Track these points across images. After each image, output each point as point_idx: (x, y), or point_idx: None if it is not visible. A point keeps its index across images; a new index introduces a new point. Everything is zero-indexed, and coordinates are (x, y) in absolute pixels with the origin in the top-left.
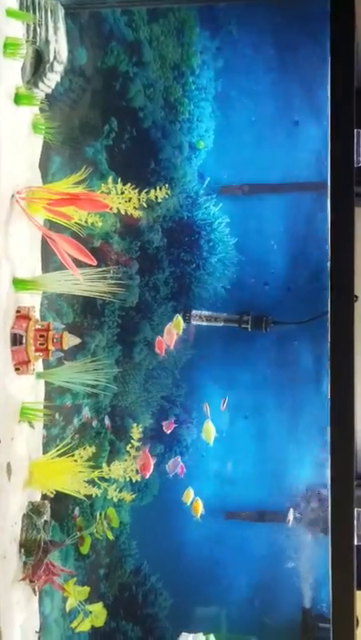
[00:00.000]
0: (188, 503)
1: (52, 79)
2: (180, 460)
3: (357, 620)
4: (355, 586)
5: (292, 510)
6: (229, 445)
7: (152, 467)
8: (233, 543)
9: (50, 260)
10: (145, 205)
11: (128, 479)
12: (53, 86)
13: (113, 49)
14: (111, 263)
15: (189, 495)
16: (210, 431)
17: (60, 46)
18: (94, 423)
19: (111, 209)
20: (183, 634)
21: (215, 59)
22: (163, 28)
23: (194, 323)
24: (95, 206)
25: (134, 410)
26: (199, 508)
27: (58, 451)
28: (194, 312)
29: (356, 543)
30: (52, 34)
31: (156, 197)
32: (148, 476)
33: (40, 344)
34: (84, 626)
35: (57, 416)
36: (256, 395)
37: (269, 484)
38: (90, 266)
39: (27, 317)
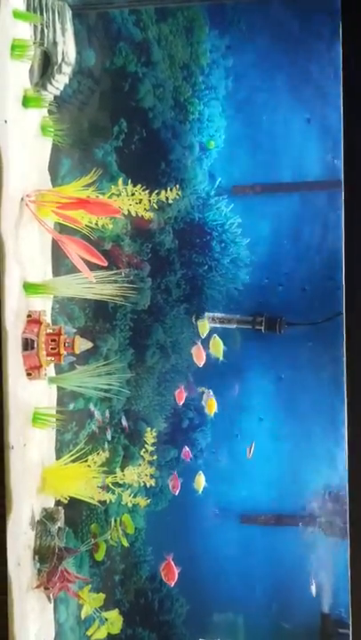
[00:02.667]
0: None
1: (61, 81)
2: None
3: None
4: None
5: (310, 514)
6: (244, 448)
7: (176, 576)
8: (250, 548)
9: (61, 264)
10: (156, 207)
11: (142, 484)
12: (62, 88)
13: (121, 49)
14: (122, 266)
15: (201, 481)
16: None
17: (67, 48)
18: (108, 429)
19: (121, 208)
20: None
21: (225, 57)
22: (171, 27)
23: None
24: (106, 211)
25: (148, 414)
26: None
27: (71, 456)
28: (207, 314)
29: None
30: (60, 35)
31: (167, 198)
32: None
33: (52, 348)
34: (100, 633)
35: (69, 421)
36: (271, 397)
37: (286, 487)
38: (101, 269)
39: (38, 322)
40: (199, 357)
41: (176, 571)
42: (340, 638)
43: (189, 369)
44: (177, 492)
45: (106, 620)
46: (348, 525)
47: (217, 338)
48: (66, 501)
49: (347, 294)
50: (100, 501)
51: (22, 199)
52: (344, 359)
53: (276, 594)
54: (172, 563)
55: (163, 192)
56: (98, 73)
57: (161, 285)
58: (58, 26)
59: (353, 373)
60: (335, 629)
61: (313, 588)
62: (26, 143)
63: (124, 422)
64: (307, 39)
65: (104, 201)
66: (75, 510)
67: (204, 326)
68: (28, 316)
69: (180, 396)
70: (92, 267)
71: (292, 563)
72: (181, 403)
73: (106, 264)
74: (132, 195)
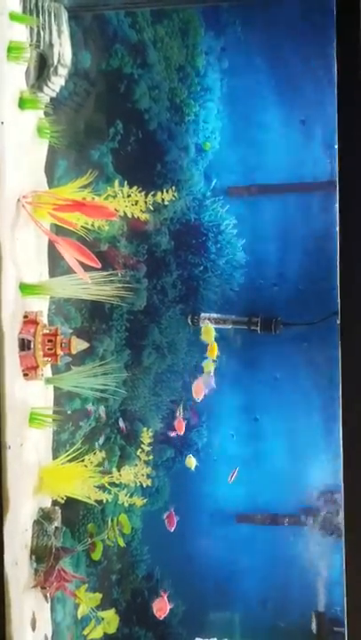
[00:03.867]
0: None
1: (57, 83)
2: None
3: None
4: None
5: (305, 513)
6: (240, 448)
7: (168, 610)
8: (246, 547)
9: (57, 265)
10: (152, 208)
11: (139, 484)
12: (58, 90)
13: (117, 51)
14: (119, 267)
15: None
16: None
17: (64, 49)
18: (102, 432)
19: (117, 211)
20: (197, 639)
21: (220, 59)
22: (167, 29)
23: (202, 325)
24: (102, 214)
25: (144, 414)
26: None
27: (68, 456)
28: (202, 315)
29: None
30: (56, 37)
31: (163, 200)
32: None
33: (48, 349)
34: (96, 633)
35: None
36: (267, 397)
37: (282, 486)
38: (97, 270)
39: (34, 322)
40: (198, 392)
41: (168, 607)
42: (335, 637)
43: (185, 369)
44: (172, 529)
45: (102, 619)
46: (343, 524)
47: (209, 325)
48: (63, 501)
49: (342, 294)
50: (96, 501)
51: (18, 200)
52: (339, 359)
53: (271, 593)
54: (166, 600)
55: (159, 193)
56: (94, 75)
57: (157, 286)
58: (54, 28)
59: (348, 373)
60: (331, 628)
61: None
62: (22, 145)
63: (122, 423)
64: (302, 41)
65: (100, 204)
66: (72, 510)
67: (209, 332)
68: (25, 316)
69: (180, 426)
70: (88, 268)
71: (287, 562)
72: (182, 432)
73: (99, 266)
74: (129, 196)
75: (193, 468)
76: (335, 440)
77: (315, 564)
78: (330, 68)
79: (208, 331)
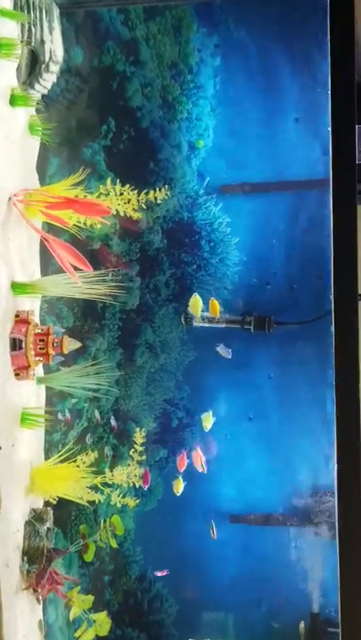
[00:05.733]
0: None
1: (48, 80)
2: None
3: None
4: None
5: (298, 513)
6: (234, 448)
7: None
8: (239, 547)
9: (49, 263)
10: (144, 206)
11: (131, 484)
12: (49, 87)
13: (109, 48)
14: (111, 265)
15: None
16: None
17: (55, 46)
18: (97, 429)
19: (109, 208)
20: None
21: (213, 56)
22: (159, 25)
23: (195, 324)
24: (95, 211)
25: (137, 414)
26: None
27: (60, 457)
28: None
29: None
30: (48, 34)
31: (156, 198)
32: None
33: (40, 348)
34: (87, 635)
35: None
36: (260, 396)
37: (275, 486)
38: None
39: (26, 322)
40: (181, 464)
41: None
42: (329, 637)
43: (178, 368)
44: (146, 487)
45: (94, 621)
46: (337, 525)
47: (197, 296)
48: (55, 502)
49: (335, 293)
50: (89, 502)
51: (10, 199)
52: (333, 358)
53: (265, 593)
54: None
55: (151, 192)
56: (86, 72)
57: (150, 285)
58: (45, 24)
59: (342, 372)
60: (325, 628)
61: (302, 626)
62: (13, 142)
63: (113, 422)
64: (295, 37)
65: (93, 201)
66: (64, 511)
67: (208, 419)
68: (16, 316)
69: (182, 462)
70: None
71: (281, 562)
72: (182, 469)
73: (91, 270)
74: (121, 194)
75: (179, 493)
76: (329, 439)
77: (309, 565)
78: (324, 65)
79: (196, 302)
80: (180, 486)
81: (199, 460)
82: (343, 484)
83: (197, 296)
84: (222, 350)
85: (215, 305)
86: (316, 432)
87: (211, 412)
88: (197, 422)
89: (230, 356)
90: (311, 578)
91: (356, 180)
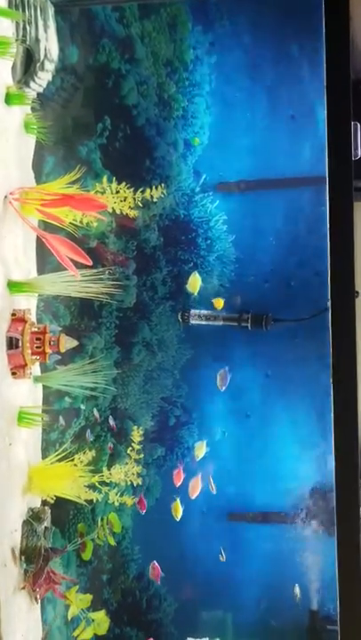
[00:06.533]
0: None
1: (44, 78)
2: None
3: None
4: None
5: (296, 512)
6: (231, 445)
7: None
8: (238, 545)
9: (45, 262)
10: (140, 204)
11: (129, 483)
12: (45, 85)
13: (104, 46)
14: (108, 264)
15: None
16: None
17: (50, 44)
18: (93, 428)
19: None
20: (189, 639)
21: (209, 54)
22: (154, 23)
23: (193, 322)
24: (91, 206)
25: (134, 412)
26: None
27: (57, 455)
28: (192, 311)
29: None
30: (43, 32)
31: (152, 196)
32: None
33: (37, 347)
34: (86, 634)
35: (57, 419)
36: (258, 393)
37: (273, 484)
38: (86, 267)
39: (22, 320)
40: (177, 479)
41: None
42: (328, 635)
43: (175, 366)
44: (144, 511)
45: (92, 620)
46: (335, 522)
47: (196, 275)
48: (52, 501)
49: (332, 290)
50: (86, 500)
51: (6, 197)
52: (330, 355)
53: (264, 591)
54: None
55: (148, 190)
56: (81, 70)
57: (146, 283)
58: (40, 23)
59: (339, 370)
60: (324, 626)
61: (297, 590)
62: (9, 141)
63: (112, 421)
64: (290, 35)
65: (89, 196)
66: (61, 510)
67: (201, 449)
68: (13, 314)
69: (178, 477)
70: (78, 265)
71: (279, 560)
72: (179, 484)
73: (90, 263)
74: (117, 192)
75: (178, 517)
76: (328, 437)
77: (307, 562)
78: (320, 62)
79: (195, 280)
80: (178, 510)
81: (198, 487)
82: (341, 482)
83: (197, 274)
84: (221, 376)
85: (196, 280)
86: (314, 429)
87: (205, 442)
88: (194, 420)
89: (224, 388)
90: (310, 575)
91: (353, 176)
